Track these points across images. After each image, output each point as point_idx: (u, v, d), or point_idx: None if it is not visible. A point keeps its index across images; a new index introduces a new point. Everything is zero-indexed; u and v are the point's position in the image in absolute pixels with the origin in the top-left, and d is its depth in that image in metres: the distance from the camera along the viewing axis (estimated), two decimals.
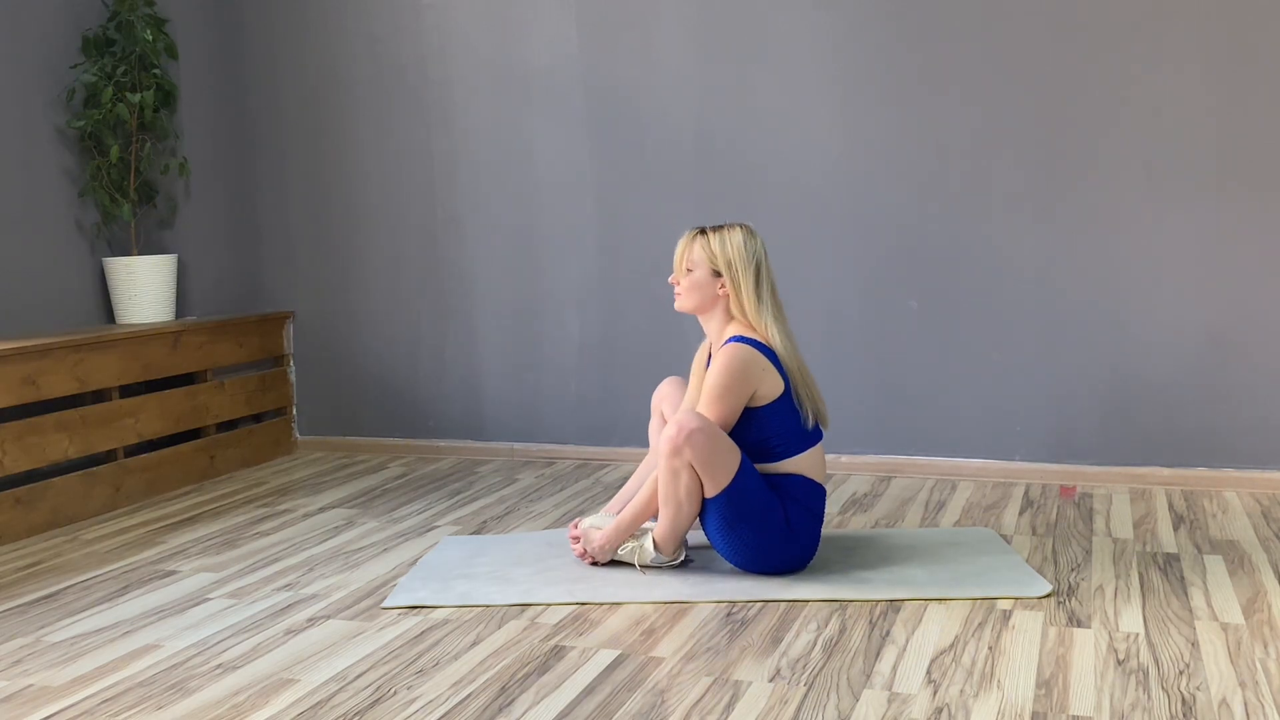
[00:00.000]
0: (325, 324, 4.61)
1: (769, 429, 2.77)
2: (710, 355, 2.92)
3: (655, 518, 2.85)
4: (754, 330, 2.82)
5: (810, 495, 2.80)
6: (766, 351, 2.77)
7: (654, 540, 2.84)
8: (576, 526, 2.98)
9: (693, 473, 2.71)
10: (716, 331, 2.89)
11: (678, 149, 4.05)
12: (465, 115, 4.30)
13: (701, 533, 2.97)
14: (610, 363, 4.22)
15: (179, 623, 2.65)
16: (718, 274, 2.84)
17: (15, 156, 4.01)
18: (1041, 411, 3.76)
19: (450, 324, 4.43)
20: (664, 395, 3.12)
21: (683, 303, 2.89)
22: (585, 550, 2.92)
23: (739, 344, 2.76)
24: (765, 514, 2.72)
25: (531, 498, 3.76)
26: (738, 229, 2.86)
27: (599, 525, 2.92)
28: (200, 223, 4.63)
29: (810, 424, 2.81)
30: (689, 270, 2.87)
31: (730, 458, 2.70)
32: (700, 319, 2.92)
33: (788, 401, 2.78)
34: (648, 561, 2.86)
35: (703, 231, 2.88)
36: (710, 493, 2.72)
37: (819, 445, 2.84)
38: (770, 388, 2.76)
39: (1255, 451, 3.57)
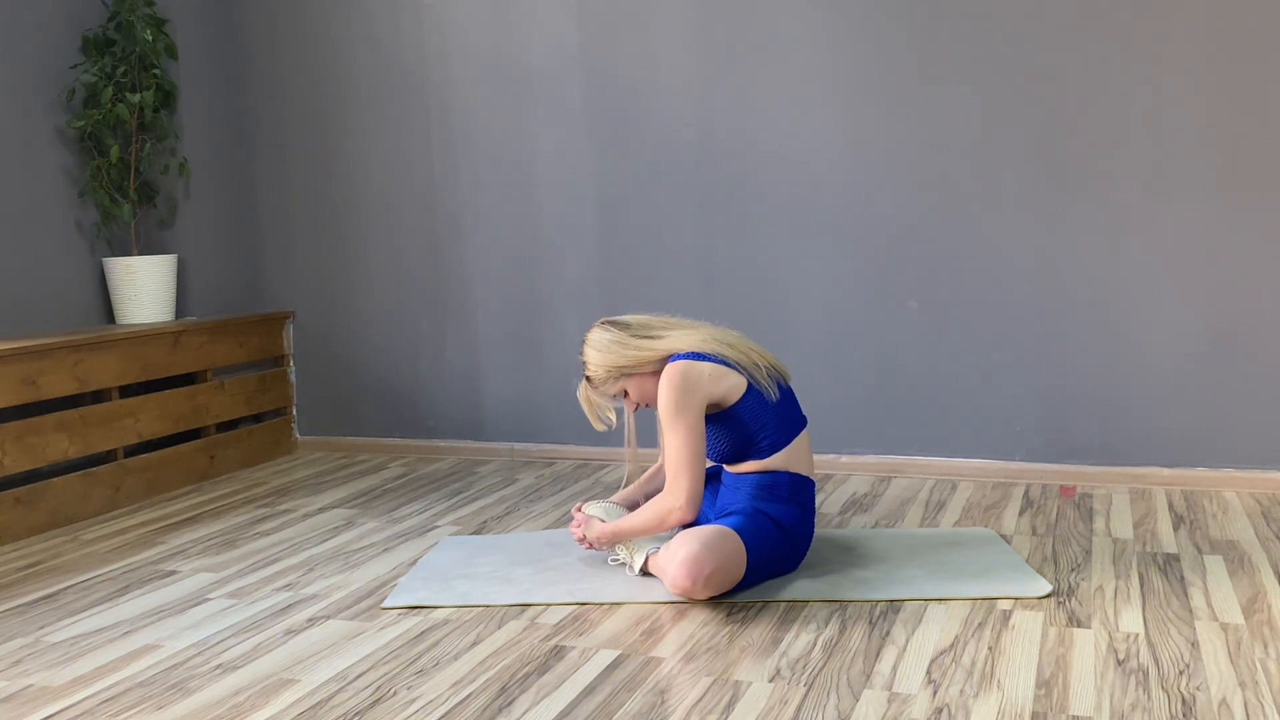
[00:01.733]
0: (325, 324, 4.61)
1: (753, 424, 2.77)
2: None
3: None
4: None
5: (800, 491, 2.80)
6: (702, 357, 2.77)
7: (647, 566, 2.83)
8: (581, 510, 2.99)
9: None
10: None
11: (678, 149, 4.05)
12: (465, 115, 4.30)
13: None
14: None
15: (179, 623, 2.65)
16: (629, 373, 2.85)
17: (15, 156, 4.01)
18: (1041, 411, 3.76)
19: (450, 324, 4.43)
20: None
21: (655, 403, 2.87)
22: (584, 536, 2.93)
23: (672, 364, 2.78)
24: (769, 551, 2.72)
25: (531, 498, 3.76)
26: (589, 338, 2.90)
27: (603, 517, 2.93)
28: (200, 223, 4.64)
29: (774, 394, 2.79)
30: (625, 395, 2.90)
31: (739, 563, 2.64)
32: None
33: (756, 393, 2.78)
34: (640, 571, 2.86)
35: (585, 377, 2.92)
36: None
37: (804, 434, 2.84)
38: (730, 386, 2.76)
39: (1255, 451, 3.57)
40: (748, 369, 2.78)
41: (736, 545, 2.64)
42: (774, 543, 2.72)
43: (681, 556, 2.60)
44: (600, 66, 4.11)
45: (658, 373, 2.85)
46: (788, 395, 2.85)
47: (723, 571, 2.61)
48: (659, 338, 2.85)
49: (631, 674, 2.26)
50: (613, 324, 2.90)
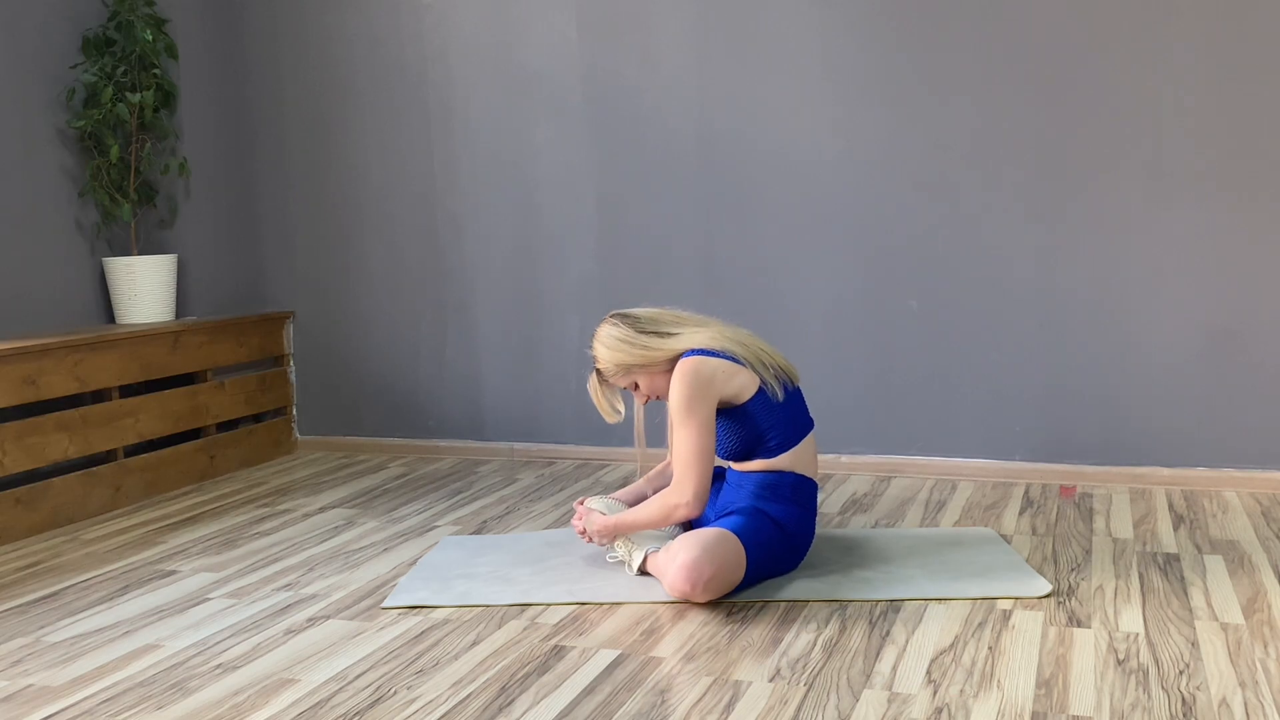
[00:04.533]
0: (325, 324, 4.61)
1: (762, 423, 2.77)
2: None
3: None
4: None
5: (802, 492, 2.80)
6: (716, 354, 2.77)
7: (646, 565, 2.83)
8: (583, 503, 2.99)
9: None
10: None
11: (678, 149, 4.05)
12: (465, 115, 4.30)
13: None
14: None
15: (179, 623, 2.65)
16: (638, 368, 2.85)
17: (15, 156, 4.01)
18: (1041, 411, 3.76)
19: (450, 324, 4.43)
20: None
21: (665, 397, 2.87)
22: (585, 529, 2.93)
23: (686, 359, 2.77)
24: (768, 551, 2.71)
25: (531, 498, 3.76)
26: (599, 332, 2.89)
27: (604, 511, 2.93)
28: (200, 223, 4.63)
29: (780, 394, 2.78)
30: (636, 388, 2.90)
31: (738, 566, 2.64)
32: None
33: (765, 392, 2.78)
34: (639, 570, 2.86)
35: (595, 370, 2.93)
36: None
37: (810, 436, 2.84)
38: (742, 384, 2.76)
39: (1255, 451, 3.56)
40: (756, 368, 2.78)
41: (736, 548, 2.64)
42: (773, 543, 2.72)
43: (681, 560, 2.60)
44: (600, 66, 4.11)
45: (669, 369, 2.84)
46: (796, 397, 2.85)
47: (722, 575, 2.61)
48: (669, 335, 2.84)
49: (631, 674, 2.26)
50: (622, 319, 2.88)
